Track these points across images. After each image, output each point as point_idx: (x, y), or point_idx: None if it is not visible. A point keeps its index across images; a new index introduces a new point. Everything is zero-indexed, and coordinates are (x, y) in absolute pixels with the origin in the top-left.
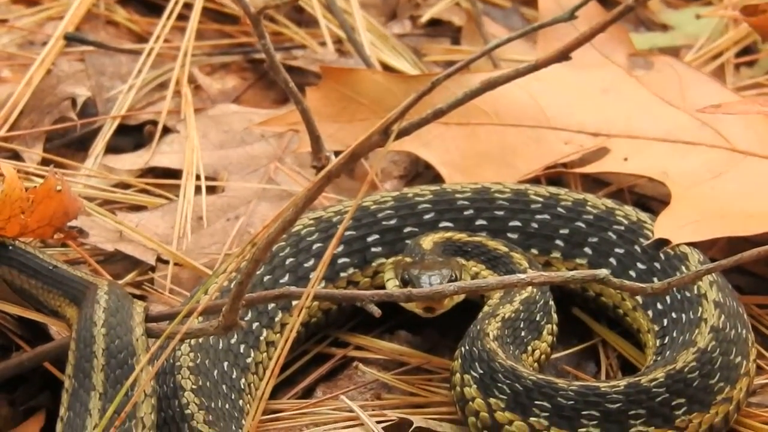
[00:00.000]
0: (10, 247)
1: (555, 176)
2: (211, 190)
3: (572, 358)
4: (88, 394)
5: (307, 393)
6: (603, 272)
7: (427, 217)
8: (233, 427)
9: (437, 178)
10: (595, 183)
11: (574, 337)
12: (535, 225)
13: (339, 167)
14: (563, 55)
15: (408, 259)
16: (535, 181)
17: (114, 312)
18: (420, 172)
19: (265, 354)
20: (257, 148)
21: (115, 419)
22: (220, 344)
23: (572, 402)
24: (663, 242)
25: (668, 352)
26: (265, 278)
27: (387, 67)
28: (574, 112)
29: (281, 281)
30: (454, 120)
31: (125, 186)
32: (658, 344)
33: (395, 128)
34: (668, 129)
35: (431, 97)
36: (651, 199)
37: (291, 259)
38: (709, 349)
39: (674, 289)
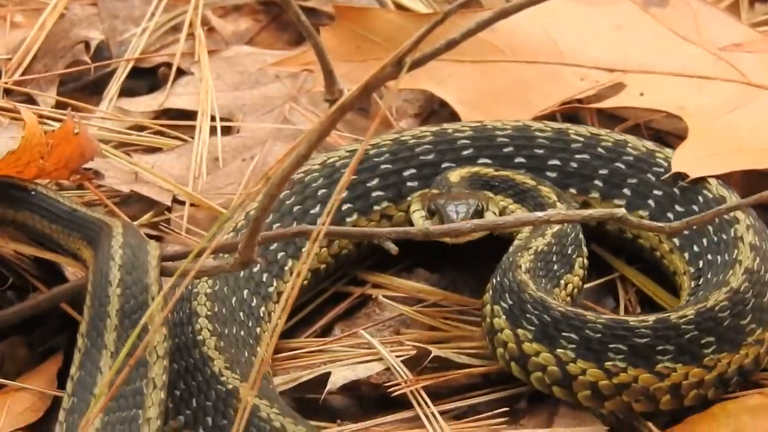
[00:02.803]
0: (32, 192)
1: (571, 112)
2: (226, 131)
3: (591, 292)
4: (99, 353)
5: (326, 331)
6: (620, 211)
7: (465, 153)
8: (246, 353)
9: (452, 116)
10: (612, 119)
11: (593, 271)
12: (574, 164)
13: (352, 99)
14: None
15: (435, 191)
16: (551, 117)
17: (129, 270)
18: (435, 110)
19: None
20: (272, 89)
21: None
22: (242, 272)
23: (600, 335)
24: (680, 176)
25: (701, 293)
26: (295, 209)
27: (400, 7)
28: (589, 47)
29: (311, 212)
30: (469, 57)
31: (140, 128)
32: (692, 286)
33: (408, 59)
34: (684, 64)
35: (444, 32)
36: (667, 134)
37: (323, 191)
38: (741, 289)
39: (711, 231)
